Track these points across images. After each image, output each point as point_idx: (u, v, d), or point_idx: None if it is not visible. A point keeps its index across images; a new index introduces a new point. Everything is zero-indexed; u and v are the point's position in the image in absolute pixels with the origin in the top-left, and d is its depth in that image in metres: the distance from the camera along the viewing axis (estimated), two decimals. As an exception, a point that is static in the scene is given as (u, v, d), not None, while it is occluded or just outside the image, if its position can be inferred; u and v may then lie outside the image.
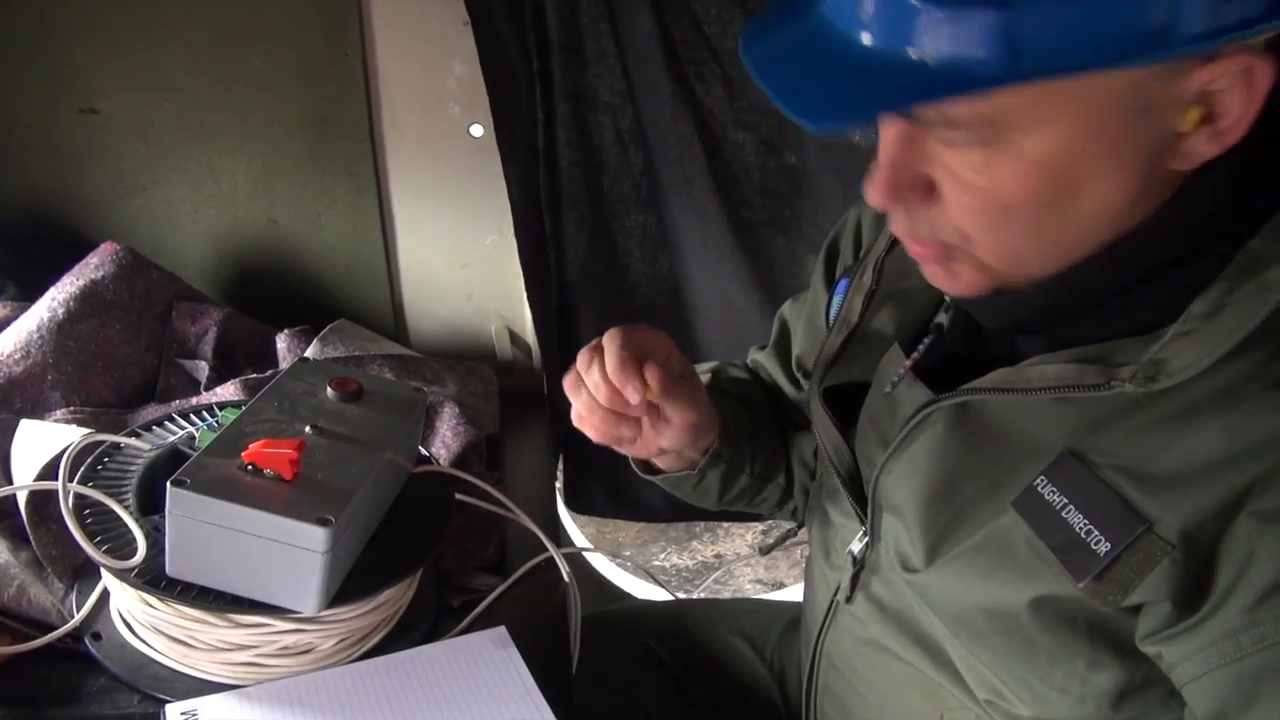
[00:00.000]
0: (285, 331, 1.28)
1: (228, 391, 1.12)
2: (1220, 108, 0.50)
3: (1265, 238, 0.53)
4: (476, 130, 1.36)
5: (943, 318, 0.73)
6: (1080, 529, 0.57)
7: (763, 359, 1.00)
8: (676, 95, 1.30)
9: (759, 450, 0.93)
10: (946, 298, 0.72)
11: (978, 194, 0.54)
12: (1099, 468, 0.58)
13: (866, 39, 0.50)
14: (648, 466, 0.91)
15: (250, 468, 0.74)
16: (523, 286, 1.40)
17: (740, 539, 2.53)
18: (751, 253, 1.40)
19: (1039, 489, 0.60)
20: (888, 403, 0.74)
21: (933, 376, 0.71)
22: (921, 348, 0.73)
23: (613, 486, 1.63)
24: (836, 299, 0.84)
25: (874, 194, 0.57)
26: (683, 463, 0.89)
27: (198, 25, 1.22)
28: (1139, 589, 0.56)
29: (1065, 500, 0.58)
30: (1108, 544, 0.56)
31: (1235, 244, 0.54)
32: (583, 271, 1.45)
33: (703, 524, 2.54)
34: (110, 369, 1.15)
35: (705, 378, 0.98)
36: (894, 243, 0.78)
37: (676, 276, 1.47)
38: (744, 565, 2.41)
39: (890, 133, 0.56)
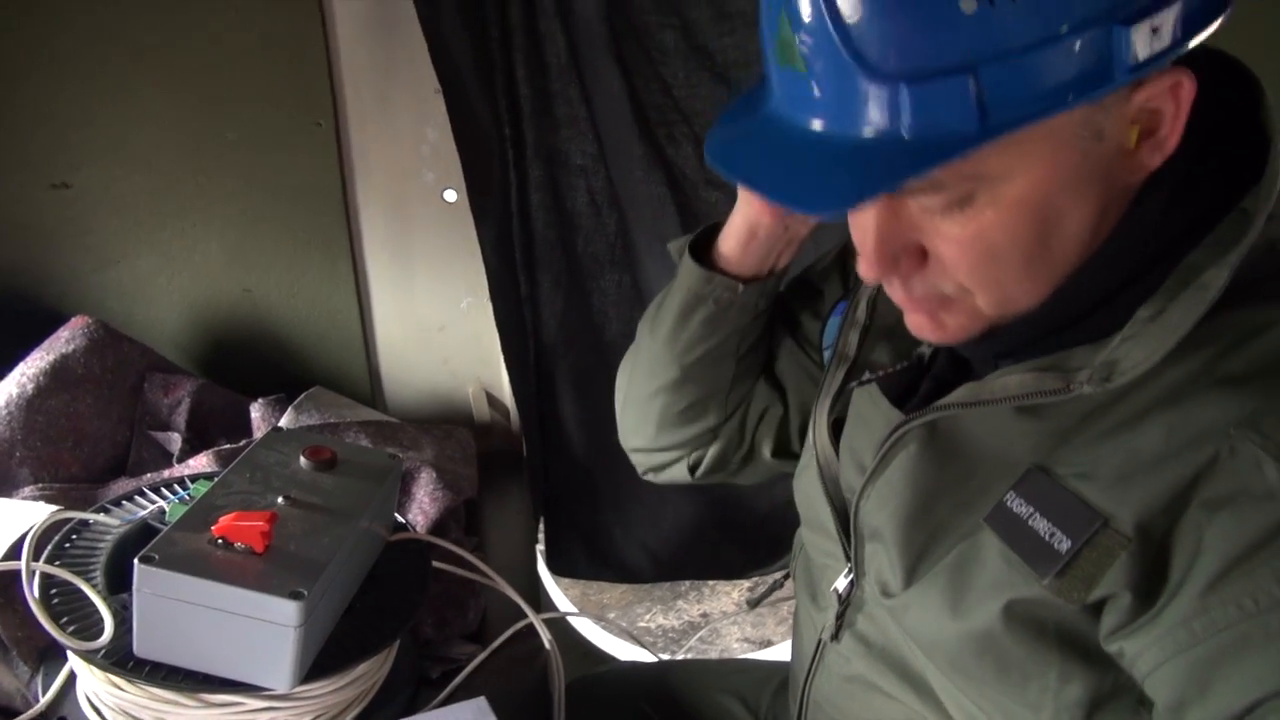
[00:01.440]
0: (259, 401, 1.27)
1: (200, 463, 1.11)
2: (1156, 121, 0.55)
3: (1203, 251, 0.57)
4: (450, 195, 1.37)
5: (924, 349, 0.75)
6: (1044, 533, 0.60)
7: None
8: (648, 157, 1.31)
9: (755, 348, 0.92)
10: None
11: (967, 246, 0.58)
12: (1063, 478, 0.60)
13: (845, 128, 0.54)
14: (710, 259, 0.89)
15: (220, 542, 0.73)
16: (499, 349, 1.40)
17: (726, 597, 2.51)
18: (726, 310, 1.41)
19: (1009, 504, 0.62)
20: (864, 430, 0.75)
21: (904, 399, 0.72)
22: (884, 372, 0.76)
23: (594, 548, 1.61)
24: (834, 321, 0.86)
25: (869, 271, 0.61)
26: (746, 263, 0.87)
27: (169, 98, 1.23)
28: (1101, 583, 0.57)
29: (1032, 509, 0.61)
30: (1068, 541, 0.58)
31: (1176, 259, 0.58)
32: (559, 332, 1.45)
33: (688, 584, 2.51)
34: (81, 444, 1.13)
35: None
36: None
37: (653, 335, 1.47)
38: (730, 624, 2.38)
39: (870, 211, 0.60)
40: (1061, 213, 0.57)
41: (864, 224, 0.60)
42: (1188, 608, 0.54)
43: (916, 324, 0.66)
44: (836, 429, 0.81)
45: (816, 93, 0.55)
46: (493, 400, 1.52)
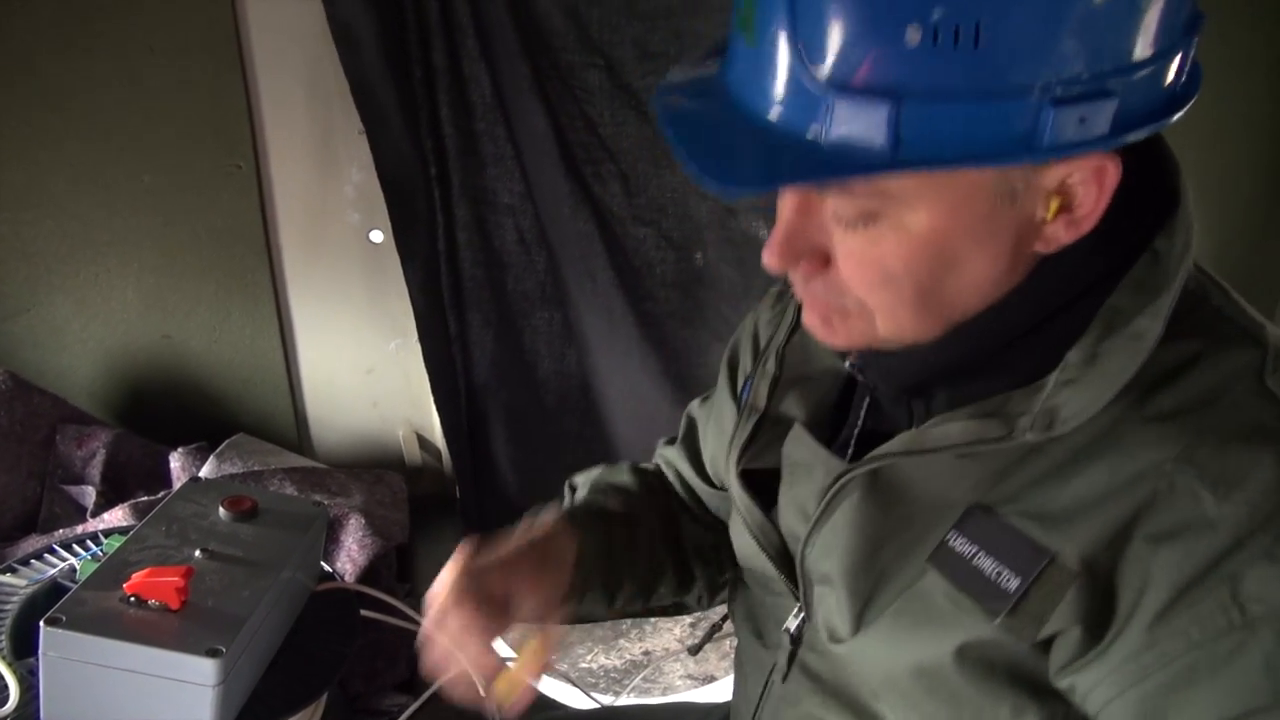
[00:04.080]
0: (179, 450, 1.23)
1: (115, 517, 1.07)
2: (1075, 199, 0.55)
3: (1123, 293, 0.58)
4: (376, 236, 1.36)
5: (849, 365, 0.74)
6: (990, 572, 0.60)
7: (673, 456, 0.98)
8: (575, 195, 1.32)
9: (635, 563, 0.90)
10: (847, 363, 0.74)
11: (865, 266, 0.58)
12: (1004, 515, 0.60)
13: (773, 114, 0.54)
14: None
15: (133, 599, 0.70)
16: (430, 390, 1.39)
17: (668, 634, 2.48)
18: (658, 344, 1.42)
19: (951, 543, 0.62)
20: (805, 478, 0.75)
21: (844, 447, 0.72)
22: (853, 432, 0.74)
23: (532, 590, 1.58)
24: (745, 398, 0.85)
25: (771, 257, 0.60)
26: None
27: (82, 143, 1.20)
28: (1052, 619, 0.57)
29: (976, 549, 0.61)
30: (1017, 579, 0.58)
31: (1095, 300, 0.59)
32: (490, 371, 1.44)
33: (629, 622, 2.48)
34: (-13, 501, 1.09)
35: (582, 491, 0.95)
36: (793, 332, 0.79)
37: (585, 371, 1.47)
38: (673, 661, 2.36)
39: (788, 203, 0.60)
40: (958, 259, 0.57)
41: (780, 213, 0.60)
42: (1137, 641, 0.55)
43: (809, 321, 0.66)
44: (749, 479, 0.80)
45: (753, 68, 0.55)
46: (424, 443, 1.50)
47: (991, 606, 0.59)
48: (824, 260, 0.60)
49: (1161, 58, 0.51)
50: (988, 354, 0.62)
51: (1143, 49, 0.50)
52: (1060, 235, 0.56)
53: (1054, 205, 0.55)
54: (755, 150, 0.55)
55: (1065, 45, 0.49)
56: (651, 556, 0.92)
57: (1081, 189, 0.54)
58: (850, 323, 0.63)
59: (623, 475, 0.97)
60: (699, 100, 0.60)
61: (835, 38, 0.51)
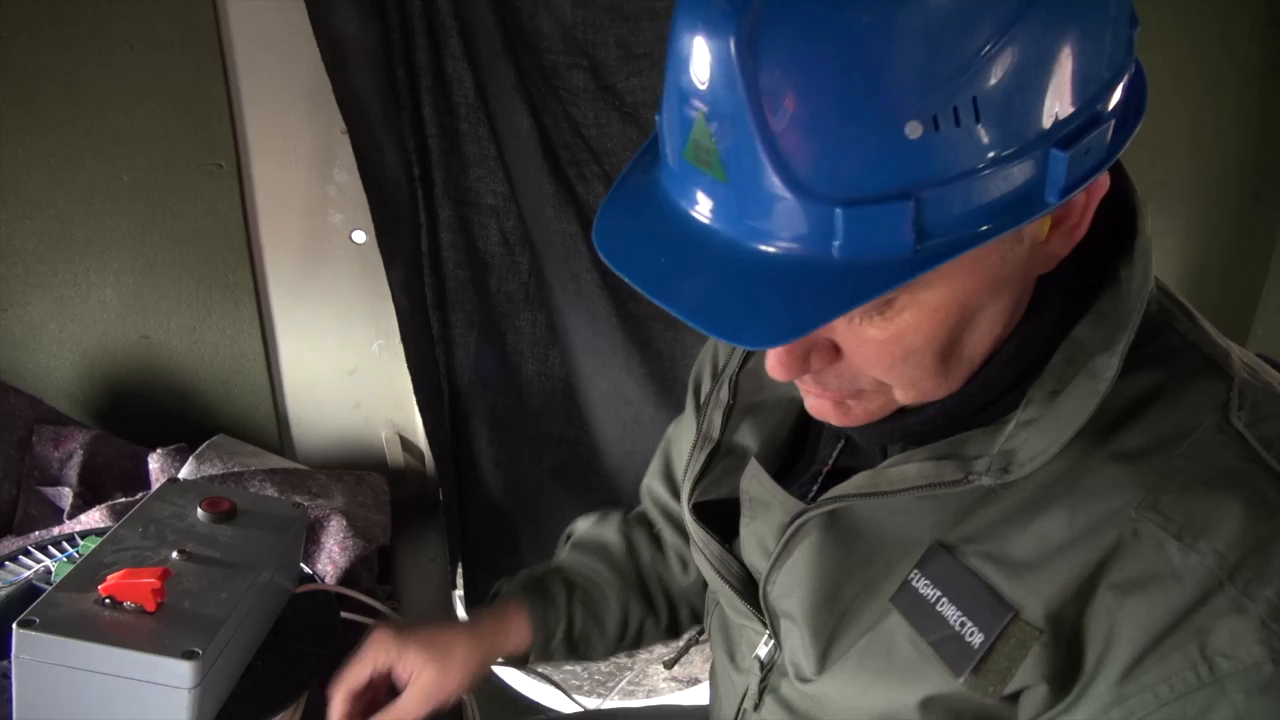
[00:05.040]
0: (158, 451, 1.22)
1: (92, 519, 1.06)
2: (1067, 211, 0.53)
3: (1087, 325, 0.57)
4: (359, 236, 1.35)
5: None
6: (954, 621, 0.58)
7: (657, 486, 0.96)
8: (559, 195, 1.31)
9: (605, 617, 0.93)
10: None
11: (883, 348, 0.55)
12: (965, 555, 0.59)
13: (772, 247, 0.49)
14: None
15: (109, 601, 0.69)
16: (412, 392, 1.38)
17: (652, 637, 2.48)
18: (642, 346, 1.41)
19: (914, 583, 0.61)
20: (764, 514, 0.74)
21: (810, 481, 0.71)
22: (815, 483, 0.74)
23: (515, 592, 1.58)
24: None
25: (779, 370, 0.56)
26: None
27: (60, 140, 1.19)
28: (1017, 676, 0.56)
29: (939, 593, 0.59)
30: (980, 635, 0.57)
31: (1060, 330, 0.58)
32: (474, 373, 1.43)
33: (613, 624, 2.48)
34: (-38, 502, 1.07)
35: (563, 551, 0.98)
36: (745, 359, 0.78)
37: (569, 373, 1.46)
38: (657, 665, 2.36)
39: None
40: (978, 311, 0.55)
41: None
42: (1105, 697, 0.54)
43: (819, 409, 0.63)
44: (708, 508, 0.79)
45: (732, 203, 0.49)
46: (407, 444, 1.49)
47: (956, 662, 0.58)
48: (834, 352, 0.57)
49: (1128, 58, 0.51)
50: (1003, 390, 0.60)
51: (1121, 60, 0.50)
52: (1058, 250, 0.55)
53: (1047, 224, 0.53)
54: (769, 292, 0.49)
55: (1057, 86, 0.47)
56: (623, 618, 0.94)
57: (1072, 202, 0.53)
58: (866, 401, 0.60)
59: (609, 531, 0.98)
60: (661, 238, 0.53)
61: (832, 156, 0.46)
